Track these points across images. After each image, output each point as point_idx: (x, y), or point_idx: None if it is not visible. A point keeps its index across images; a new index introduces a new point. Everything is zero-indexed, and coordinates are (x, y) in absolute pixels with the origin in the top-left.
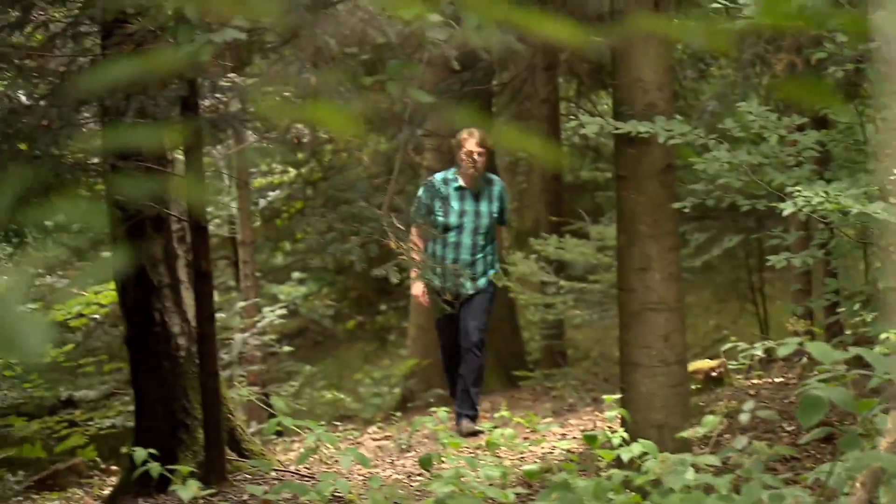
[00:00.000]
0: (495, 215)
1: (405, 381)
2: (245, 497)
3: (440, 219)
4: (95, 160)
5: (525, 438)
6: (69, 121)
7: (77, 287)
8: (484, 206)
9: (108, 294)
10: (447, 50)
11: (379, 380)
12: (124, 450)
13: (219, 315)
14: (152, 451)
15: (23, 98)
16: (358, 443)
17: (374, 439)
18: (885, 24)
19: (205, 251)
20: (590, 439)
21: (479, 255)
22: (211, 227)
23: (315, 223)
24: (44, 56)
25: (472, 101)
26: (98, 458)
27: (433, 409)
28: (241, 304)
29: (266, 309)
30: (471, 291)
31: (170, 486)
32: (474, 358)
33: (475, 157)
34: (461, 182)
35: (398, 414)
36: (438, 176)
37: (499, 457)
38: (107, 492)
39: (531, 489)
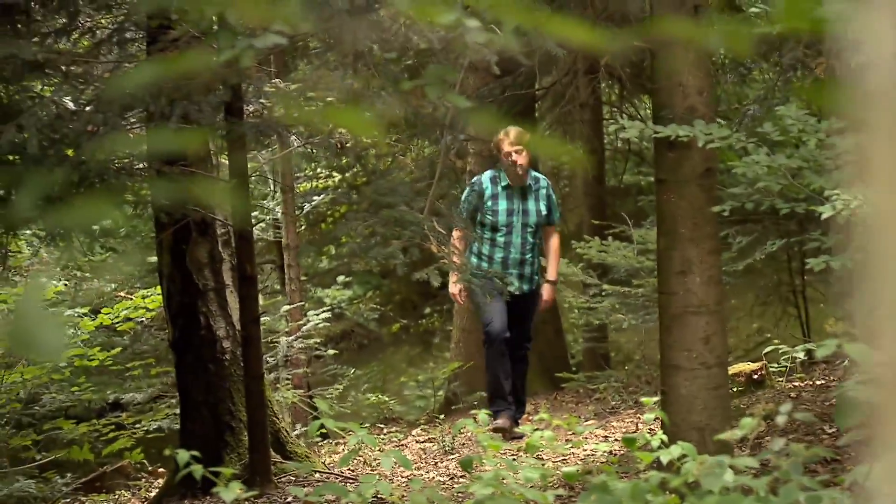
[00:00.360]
0: (543, 213)
1: (449, 384)
2: (289, 499)
3: (489, 218)
4: (141, 165)
5: (567, 441)
6: (114, 126)
7: (123, 290)
8: (531, 205)
9: (154, 298)
10: (487, 55)
11: (423, 382)
12: (167, 452)
13: (264, 318)
14: (195, 453)
15: (69, 103)
16: (402, 445)
17: (418, 441)
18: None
19: (249, 255)
20: (629, 442)
21: (529, 255)
22: (256, 231)
23: (357, 227)
24: (89, 62)
25: (515, 105)
26: (145, 461)
27: (474, 411)
28: (287, 307)
29: (311, 312)
30: (521, 290)
31: (213, 487)
32: (524, 366)
33: (514, 154)
34: (507, 181)
35: (442, 416)
36: (485, 176)
37: (540, 459)
38: (153, 493)
39: (572, 491)
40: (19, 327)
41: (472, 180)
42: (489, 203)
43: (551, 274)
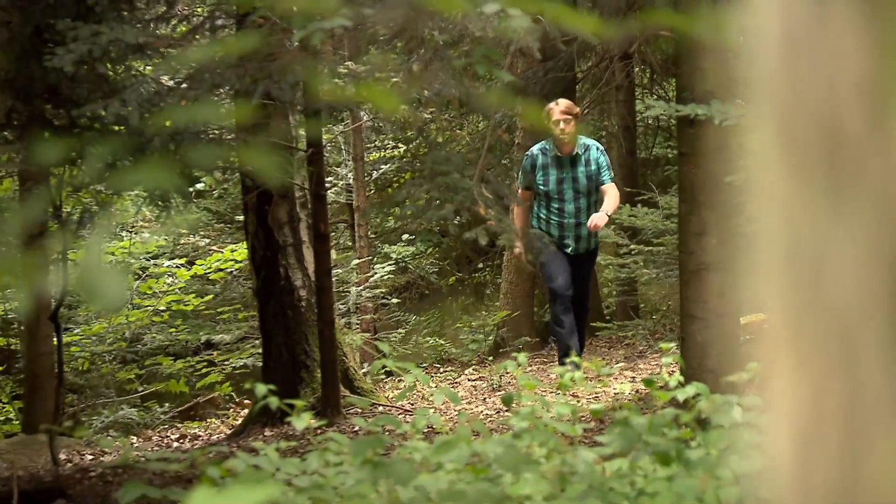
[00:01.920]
0: (594, 178)
1: (498, 330)
2: (355, 428)
3: (541, 187)
4: (230, 136)
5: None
6: (205, 101)
7: (215, 245)
8: (581, 171)
9: (241, 252)
10: (531, 42)
11: (476, 328)
12: (247, 385)
13: (336, 271)
14: (272, 387)
15: (166, 81)
16: (456, 383)
17: (470, 380)
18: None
19: (323, 215)
20: (648, 382)
21: (584, 218)
22: (330, 195)
23: (416, 192)
24: (184, 45)
25: (556, 86)
26: (233, 393)
27: (514, 354)
28: (356, 261)
29: (378, 266)
30: (577, 251)
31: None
32: (583, 313)
33: (562, 124)
34: (556, 151)
35: (491, 358)
36: (536, 147)
37: (575, 397)
38: (239, 421)
39: (602, 424)
40: (84, 279)
41: (527, 152)
42: (540, 173)
43: (605, 208)
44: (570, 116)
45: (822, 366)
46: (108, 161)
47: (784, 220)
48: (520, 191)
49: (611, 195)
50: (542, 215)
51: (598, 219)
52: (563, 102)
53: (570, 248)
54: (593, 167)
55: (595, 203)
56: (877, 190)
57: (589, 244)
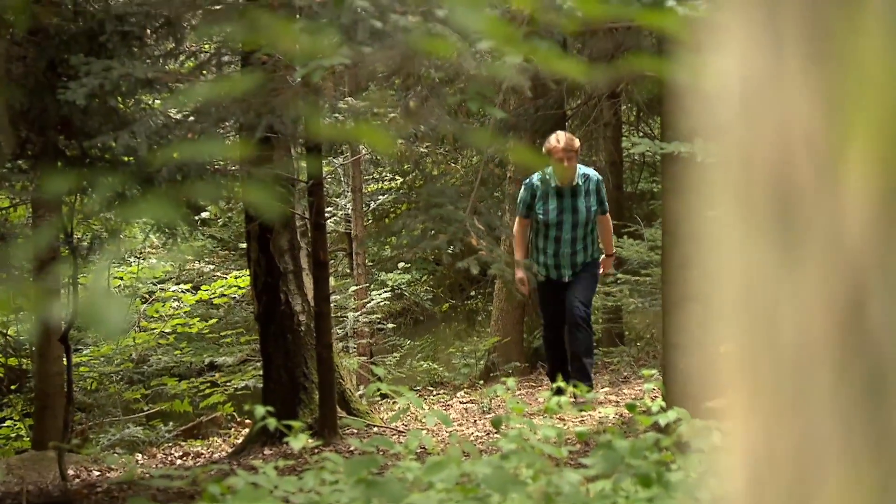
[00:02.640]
0: (593, 209)
1: (489, 355)
2: (352, 448)
3: (540, 217)
4: (233, 168)
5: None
6: (210, 134)
7: (219, 271)
8: (581, 202)
9: (244, 278)
10: (522, 80)
11: (467, 353)
12: (247, 407)
13: (334, 297)
14: (270, 408)
15: (174, 115)
16: (448, 405)
17: (462, 403)
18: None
19: (323, 244)
20: (630, 407)
21: (580, 247)
22: (330, 224)
23: (411, 223)
24: (192, 80)
25: (546, 122)
26: (234, 413)
27: (504, 378)
28: (354, 287)
29: (375, 292)
30: (570, 278)
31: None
32: (583, 331)
33: (564, 159)
34: (556, 181)
35: (482, 382)
36: (536, 176)
37: (562, 420)
38: (240, 441)
39: (586, 446)
40: (88, 306)
41: (525, 181)
42: (540, 203)
43: (608, 250)
44: (572, 153)
45: (775, 406)
46: (117, 191)
47: (738, 264)
48: (518, 219)
49: (607, 230)
50: (539, 245)
51: (607, 265)
52: (564, 138)
53: (566, 276)
54: (593, 199)
55: (591, 232)
56: (825, 241)
57: (583, 262)
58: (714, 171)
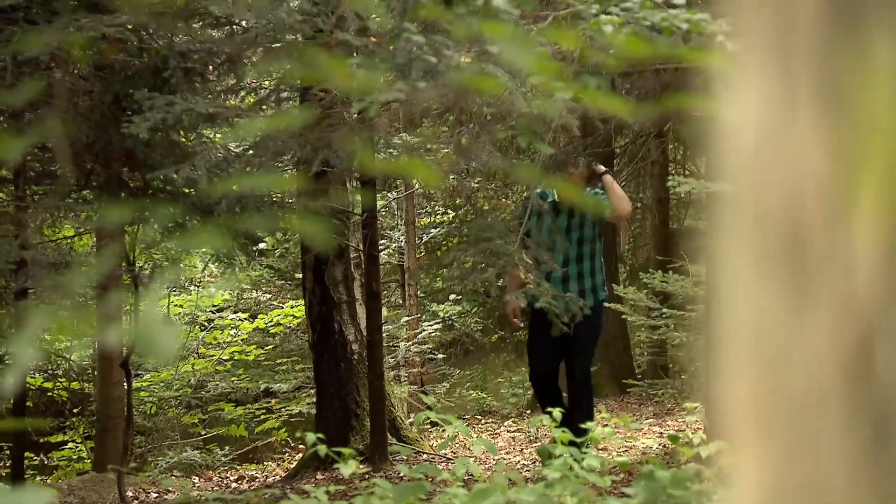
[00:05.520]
0: (595, 224)
1: None
2: (401, 474)
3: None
4: (290, 200)
5: (630, 436)
6: (268, 168)
7: (276, 300)
8: (575, 219)
9: (299, 308)
10: (570, 118)
11: (515, 383)
12: (298, 433)
13: (387, 327)
14: (320, 435)
15: (233, 148)
16: (496, 433)
17: (509, 431)
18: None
19: (376, 275)
20: (673, 438)
21: (587, 265)
22: (383, 256)
23: (462, 256)
24: (251, 115)
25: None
26: (289, 439)
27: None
28: (406, 318)
29: (426, 323)
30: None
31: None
32: (584, 397)
33: (574, 176)
34: (556, 196)
35: (529, 411)
36: (538, 190)
37: (605, 450)
38: (293, 465)
39: (630, 476)
40: (141, 333)
41: (525, 195)
42: (534, 219)
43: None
44: (583, 174)
45: (784, 449)
46: (177, 221)
47: (749, 309)
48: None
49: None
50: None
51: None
52: (584, 164)
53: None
54: (591, 225)
55: (593, 256)
56: (836, 288)
57: (592, 299)
58: (727, 215)
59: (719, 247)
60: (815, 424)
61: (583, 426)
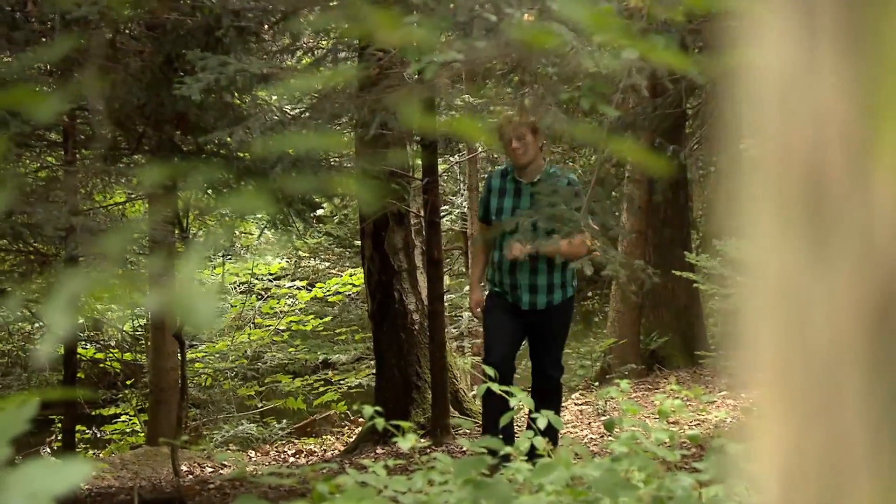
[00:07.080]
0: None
1: (605, 357)
2: (463, 448)
3: (493, 218)
4: (348, 164)
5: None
6: (325, 130)
7: (334, 268)
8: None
9: (359, 276)
10: (638, 79)
11: (583, 354)
12: (355, 406)
13: (449, 296)
14: (378, 408)
15: (288, 110)
16: (563, 407)
17: (576, 404)
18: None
19: (437, 242)
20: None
21: (542, 262)
22: (444, 223)
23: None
24: (308, 77)
25: (664, 122)
26: (348, 411)
27: (617, 381)
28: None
29: None
30: (535, 305)
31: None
32: (555, 399)
33: (514, 141)
34: (516, 175)
35: (597, 383)
36: (497, 170)
37: (676, 423)
38: (352, 439)
39: (702, 450)
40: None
41: (487, 172)
42: (494, 200)
43: (554, 239)
44: (523, 131)
45: (806, 409)
46: (231, 185)
47: (771, 265)
48: (479, 224)
49: (575, 239)
50: (494, 257)
51: (516, 248)
52: (516, 116)
53: (523, 302)
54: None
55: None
56: (858, 239)
57: (550, 297)
58: (750, 166)
59: (744, 197)
60: (836, 382)
61: (556, 428)
